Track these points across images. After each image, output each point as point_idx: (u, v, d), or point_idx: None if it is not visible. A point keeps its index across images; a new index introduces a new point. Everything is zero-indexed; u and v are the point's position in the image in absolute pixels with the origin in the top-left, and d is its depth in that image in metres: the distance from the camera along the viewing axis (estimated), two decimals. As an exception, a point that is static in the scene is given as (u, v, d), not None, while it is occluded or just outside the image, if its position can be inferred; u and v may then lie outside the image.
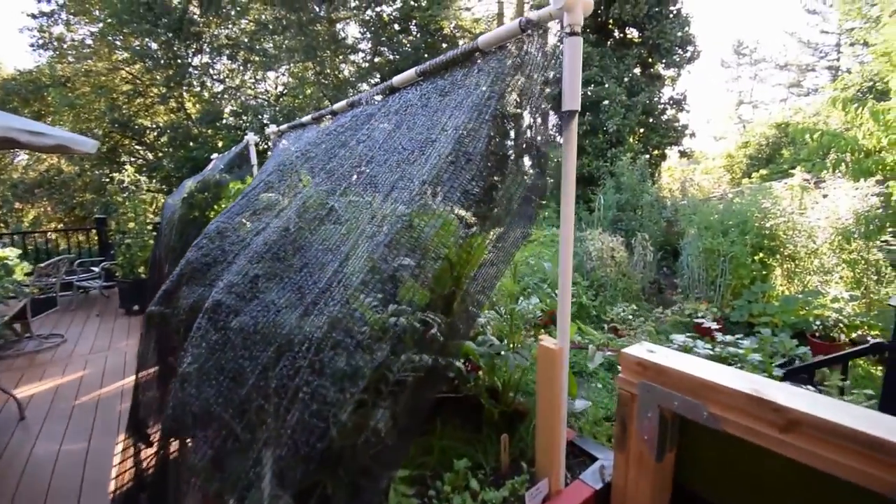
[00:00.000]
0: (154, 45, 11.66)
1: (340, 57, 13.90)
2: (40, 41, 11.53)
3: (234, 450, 1.14)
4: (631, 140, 11.78)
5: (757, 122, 19.59)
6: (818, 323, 4.12)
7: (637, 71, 11.64)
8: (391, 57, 13.54)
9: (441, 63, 1.13)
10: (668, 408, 1.03)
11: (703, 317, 4.91)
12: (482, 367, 1.39)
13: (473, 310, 1.69)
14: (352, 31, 14.73)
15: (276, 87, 14.62)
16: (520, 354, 1.27)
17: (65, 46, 11.85)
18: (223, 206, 3.47)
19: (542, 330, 1.40)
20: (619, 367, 1.11)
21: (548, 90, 1.11)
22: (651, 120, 12.05)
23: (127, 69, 12.30)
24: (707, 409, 0.97)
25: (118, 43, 11.86)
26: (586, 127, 10.89)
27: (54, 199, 12.92)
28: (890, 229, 4.79)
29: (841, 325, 4.01)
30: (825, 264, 5.26)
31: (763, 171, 13.17)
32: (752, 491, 0.98)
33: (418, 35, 13.50)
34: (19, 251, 4.02)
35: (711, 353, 1.62)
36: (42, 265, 6.05)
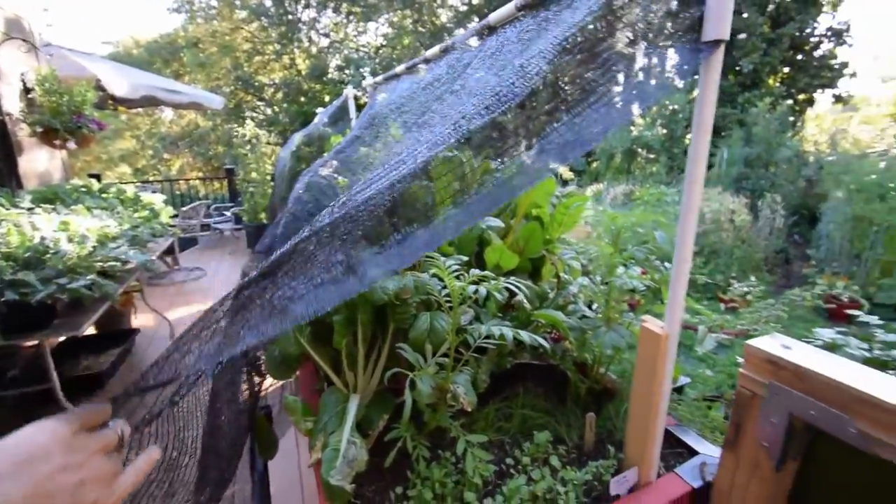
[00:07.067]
0: (268, 2, 12.41)
1: (438, 1, 13.44)
2: (175, 4, 12.89)
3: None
4: (770, 82, 9.84)
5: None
6: None
7: (788, -7, 9.52)
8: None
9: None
10: (801, 417, 0.86)
11: (839, 295, 4.18)
12: (571, 340, 1.30)
13: (565, 276, 1.58)
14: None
15: (375, 39, 14.75)
16: (617, 333, 1.15)
17: (194, 8, 13.11)
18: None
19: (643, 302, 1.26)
20: (743, 360, 0.95)
21: (668, 24, 0.90)
22: (800, 56, 9.85)
23: (246, 28, 13.30)
24: (856, 426, 0.78)
25: (238, 2, 12.78)
26: (713, 67, 9.34)
27: (194, 150, 14.91)
28: None
29: None
30: None
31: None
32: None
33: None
34: (164, 197, 4.64)
35: (868, 355, 1.30)
36: (185, 208, 7.11)
